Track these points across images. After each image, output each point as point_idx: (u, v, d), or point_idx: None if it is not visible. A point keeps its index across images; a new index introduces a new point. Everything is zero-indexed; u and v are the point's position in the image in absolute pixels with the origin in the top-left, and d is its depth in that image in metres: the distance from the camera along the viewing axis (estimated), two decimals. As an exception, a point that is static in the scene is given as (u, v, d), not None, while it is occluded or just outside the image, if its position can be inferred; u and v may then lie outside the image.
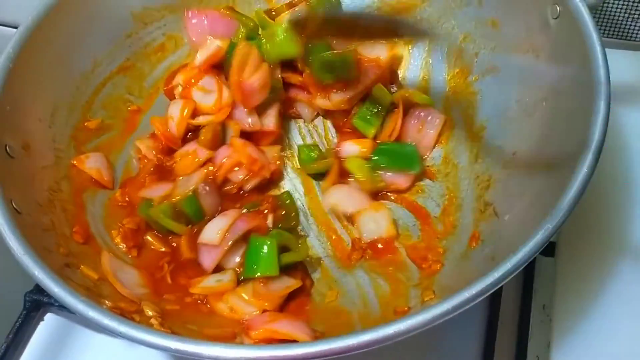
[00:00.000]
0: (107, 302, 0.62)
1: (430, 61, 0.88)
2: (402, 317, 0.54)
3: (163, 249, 0.76)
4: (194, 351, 0.54)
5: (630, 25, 0.94)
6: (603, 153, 0.61)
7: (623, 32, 0.94)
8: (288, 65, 0.85)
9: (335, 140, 0.87)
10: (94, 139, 0.82)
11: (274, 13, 0.87)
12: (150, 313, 0.65)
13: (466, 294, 0.54)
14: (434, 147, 0.84)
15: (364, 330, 0.54)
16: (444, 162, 0.83)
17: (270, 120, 0.83)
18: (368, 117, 0.84)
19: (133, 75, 0.87)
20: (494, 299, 0.79)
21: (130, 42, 0.86)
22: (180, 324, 0.67)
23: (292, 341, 0.63)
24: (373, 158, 0.82)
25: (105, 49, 0.84)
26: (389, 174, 0.81)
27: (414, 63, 0.90)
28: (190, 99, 0.82)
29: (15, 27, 0.76)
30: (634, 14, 0.92)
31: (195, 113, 0.82)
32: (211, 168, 0.79)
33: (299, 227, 0.80)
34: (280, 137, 0.86)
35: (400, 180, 0.81)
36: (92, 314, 0.56)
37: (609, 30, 0.95)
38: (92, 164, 0.79)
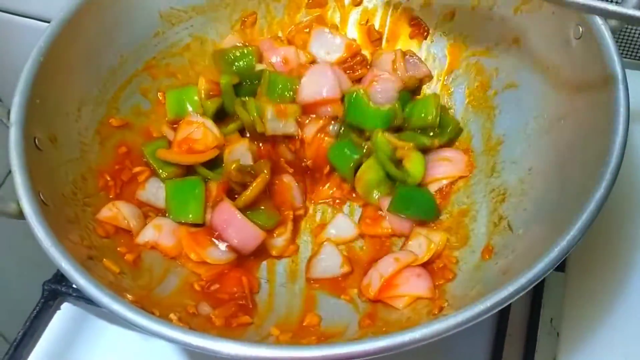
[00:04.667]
0: (128, 295, 0.64)
1: (450, 75, 0.89)
2: (417, 325, 0.55)
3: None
4: (213, 348, 0.55)
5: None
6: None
7: (643, 53, 0.96)
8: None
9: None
10: (117, 136, 0.83)
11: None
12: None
13: (481, 306, 0.55)
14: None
15: (379, 337, 0.55)
16: (460, 174, 0.84)
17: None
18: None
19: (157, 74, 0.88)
20: (503, 311, 0.80)
21: (157, 41, 0.87)
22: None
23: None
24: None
25: (132, 47, 0.85)
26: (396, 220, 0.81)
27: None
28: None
29: (46, 21, 0.78)
30: (654, 36, 0.93)
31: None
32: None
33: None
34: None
35: (405, 226, 0.81)
36: (116, 306, 0.58)
37: (629, 51, 0.96)
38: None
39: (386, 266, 0.75)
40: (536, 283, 0.57)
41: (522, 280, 0.57)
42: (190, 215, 0.79)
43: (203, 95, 0.85)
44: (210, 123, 0.82)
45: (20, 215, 0.64)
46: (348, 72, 0.89)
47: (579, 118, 0.72)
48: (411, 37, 0.91)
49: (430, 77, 0.90)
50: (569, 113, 0.73)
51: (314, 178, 0.85)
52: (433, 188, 0.84)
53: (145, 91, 0.86)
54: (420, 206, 0.81)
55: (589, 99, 0.71)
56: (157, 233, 0.77)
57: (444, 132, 0.84)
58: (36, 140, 0.70)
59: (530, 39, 0.80)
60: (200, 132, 0.82)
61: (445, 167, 0.84)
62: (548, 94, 0.77)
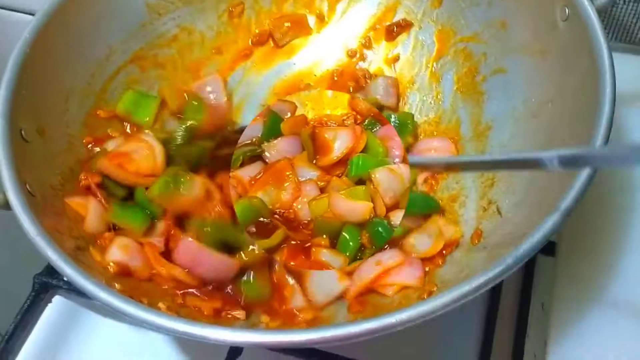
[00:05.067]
0: (116, 284, 0.64)
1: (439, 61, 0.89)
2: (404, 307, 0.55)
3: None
4: (200, 334, 0.55)
5: (638, 30, 0.95)
6: (605, 154, 0.62)
7: (630, 36, 0.95)
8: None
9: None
10: (105, 127, 0.83)
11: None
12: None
13: (467, 286, 0.55)
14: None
15: (366, 319, 0.55)
16: (449, 159, 0.84)
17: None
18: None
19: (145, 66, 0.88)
20: (494, 295, 0.80)
21: (144, 32, 0.87)
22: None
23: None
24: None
25: (120, 38, 0.84)
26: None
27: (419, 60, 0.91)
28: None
29: (31, 14, 0.77)
30: (642, 18, 0.93)
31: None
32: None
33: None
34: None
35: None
36: (104, 295, 0.58)
37: (617, 34, 0.96)
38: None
39: (367, 272, 0.75)
40: (522, 263, 0.57)
41: (508, 260, 0.57)
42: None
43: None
44: (159, 150, 0.79)
45: (7, 205, 0.64)
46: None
47: (566, 101, 0.72)
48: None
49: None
50: (556, 96, 0.73)
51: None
52: (421, 177, 0.84)
53: (133, 82, 0.86)
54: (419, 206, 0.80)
55: (576, 82, 0.70)
56: (125, 254, 0.72)
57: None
58: (22, 132, 0.69)
59: (517, 23, 0.80)
60: (143, 154, 0.78)
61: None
62: (536, 78, 0.77)
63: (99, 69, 0.82)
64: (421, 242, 0.76)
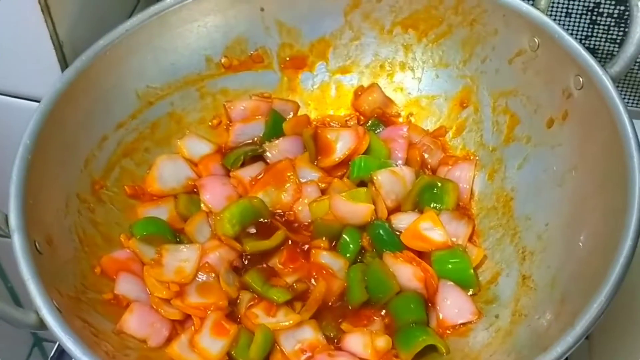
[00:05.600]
0: None
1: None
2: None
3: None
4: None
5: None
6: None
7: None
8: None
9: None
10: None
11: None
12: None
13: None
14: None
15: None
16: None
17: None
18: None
19: (138, 159, 0.84)
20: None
21: (135, 123, 0.84)
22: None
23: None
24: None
25: (111, 130, 0.81)
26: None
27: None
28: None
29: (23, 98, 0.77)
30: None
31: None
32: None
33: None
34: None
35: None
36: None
37: (634, 98, 0.96)
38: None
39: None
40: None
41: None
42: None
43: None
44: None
45: (41, 325, 0.61)
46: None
47: (590, 168, 0.71)
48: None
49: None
50: (579, 164, 0.73)
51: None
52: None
53: (131, 176, 0.83)
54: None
55: (598, 149, 0.70)
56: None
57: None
58: (37, 244, 0.67)
59: (530, 92, 0.80)
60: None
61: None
62: (555, 145, 0.77)
63: (94, 164, 0.79)
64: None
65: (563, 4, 0.92)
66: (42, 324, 0.61)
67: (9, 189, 0.67)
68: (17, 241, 0.64)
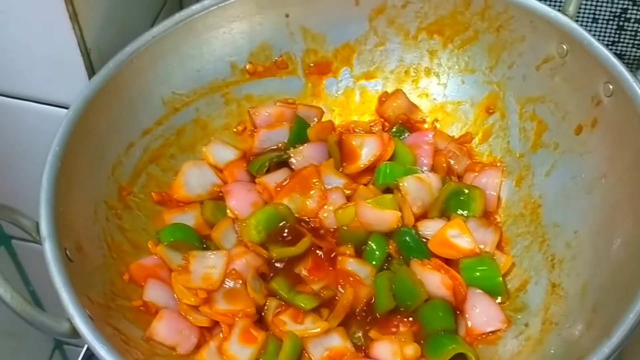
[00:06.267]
0: None
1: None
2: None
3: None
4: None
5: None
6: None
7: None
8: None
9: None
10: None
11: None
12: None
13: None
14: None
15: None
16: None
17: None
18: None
19: (164, 165, 0.84)
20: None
21: (161, 129, 0.84)
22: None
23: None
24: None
25: (138, 137, 0.82)
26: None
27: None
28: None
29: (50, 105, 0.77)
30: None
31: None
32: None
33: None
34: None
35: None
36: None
37: None
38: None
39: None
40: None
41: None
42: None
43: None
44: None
45: (74, 334, 0.61)
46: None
47: (620, 175, 0.71)
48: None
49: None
50: (609, 171, 0.72)
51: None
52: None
53: (157, 183, 0.83)
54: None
55: (629, 156, 0.70)
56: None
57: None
58: (67, 252, 0.66)
59: (558, 99, 0.79)
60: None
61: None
62: (584, 151, 0.76)
63: (121, 171, 0.80)
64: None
65: (590, 9, 0.92)
66: (74, 332, 0.61)
67: (39, 196, 0.67)
68: (48, 248, 0.64)
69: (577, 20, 0.79)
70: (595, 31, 0.93)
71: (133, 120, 0.81)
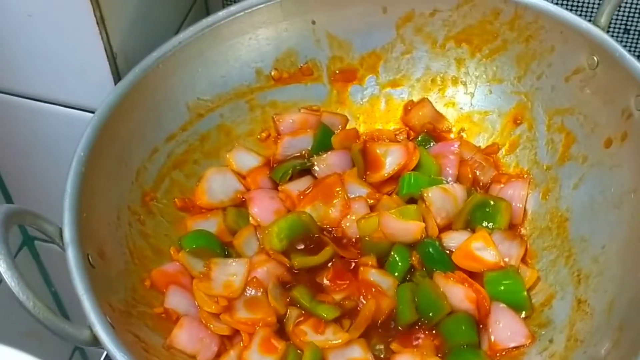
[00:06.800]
0: None
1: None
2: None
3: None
4: None
5: None
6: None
7: None
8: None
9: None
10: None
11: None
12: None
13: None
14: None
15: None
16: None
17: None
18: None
19: (188, 171, 0.84)
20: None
21: (185, 135, 0.84)
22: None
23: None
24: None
25: (162, 142, 0.82)
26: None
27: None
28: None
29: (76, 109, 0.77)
30: None
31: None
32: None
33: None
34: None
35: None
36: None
37: None
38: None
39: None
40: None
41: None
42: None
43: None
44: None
45: (95, 342, 0.61)
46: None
47: None
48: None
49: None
50: (639, 186, 0.71)
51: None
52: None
53: (181, 188, 0.83)
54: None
55: None
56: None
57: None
58: (90, 258, 0.66)
59: (588, 111, 0.78)
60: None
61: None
62: (613, 166, 0.75)
63: (145, 177, 0.80)
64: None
65: (622, 20, 0.90)
66: (95, 340, 0.60)
67: (62, 202, 0.67)
68: (71, 255, 0.64)
69: (608, 32, 0.77)
70: (627, 43, 0.92)
71: (157, 125, 0.81)
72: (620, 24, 0.91)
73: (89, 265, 0.65)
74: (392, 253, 0.77)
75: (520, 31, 0.82)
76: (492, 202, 0.79)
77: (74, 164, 0.69)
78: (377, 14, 0.86)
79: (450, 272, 0.74)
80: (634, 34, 0.91)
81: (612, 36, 0.78)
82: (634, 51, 0.92)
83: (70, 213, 0.66)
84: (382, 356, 0.72)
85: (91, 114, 0.74)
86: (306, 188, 0.82)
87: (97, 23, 0.75)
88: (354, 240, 0.80)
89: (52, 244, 0.66)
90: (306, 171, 0.85)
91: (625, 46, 0.77)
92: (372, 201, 0.81)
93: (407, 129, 0.89)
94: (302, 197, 0.82)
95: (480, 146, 0.87)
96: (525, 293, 0.74)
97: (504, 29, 0.83)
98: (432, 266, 0.76)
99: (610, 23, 0.88)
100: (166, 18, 0.89)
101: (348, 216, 0.80)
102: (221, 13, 0.82)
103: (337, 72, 0.89)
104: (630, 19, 0.90)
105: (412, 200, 0.80)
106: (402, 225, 0.77)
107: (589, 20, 0.76)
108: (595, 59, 0.76)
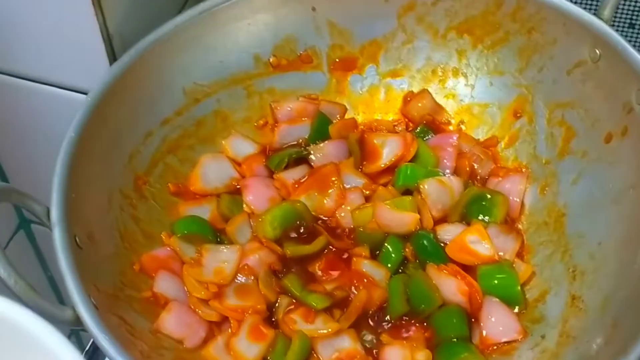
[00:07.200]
0: None
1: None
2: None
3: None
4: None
5: None
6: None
7: None
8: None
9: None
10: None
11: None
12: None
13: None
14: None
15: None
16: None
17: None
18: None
19: (182, 156, 0.84)
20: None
21: (180, 120, 0.83)
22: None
23: None
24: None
25: (157, 126, 0.81)
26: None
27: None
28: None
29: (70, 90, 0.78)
30: None
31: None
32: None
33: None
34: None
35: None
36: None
37: None
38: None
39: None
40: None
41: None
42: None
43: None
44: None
45: (77, 321, 0.60)
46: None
47: None
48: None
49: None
50: (638, 182, 0.70)
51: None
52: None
53: (174, 173, 0.82)
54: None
55: None
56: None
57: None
58: (77, 239, 0.66)
59: (589, 105, 0.77)
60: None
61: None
62: (613, 161, 0.74)
63: (138, 160, 0.79)
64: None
65: (627, 14, 0.89)
66: (77, 321, 0.60)
67: (51, 182, 0.66)
68: (57, 235, 0.64)
69: (612, 25, 0.76)
70: (631, 37, 0.91)
71: (152, 109, 0.80)
72: (626, 19, 0.90)
73: (75, 246, 0.65)
74: (386, 244, 0.76)
75: (522, 23, 0.80)
76: (488, 196, 0.78)
77: (65, 144, 0.68)
78: (379, 2, 0.85)
79: (444, 265, 0.74)
80: (639, 29, 0.90)
81: (617, 31, 0.77)
82: (639, 46, 0.91)
83: (59, 193, 0.66)
84: (371, 347, 0.72)
85: (85, 96, 0.73)
86: (302, 177, 0.82)
87: (93, 4, 0.74)
88: (347, 230, 0.79)
89: (48, 227, 0.66)
90: (302, 160, 0.84)
91: (630, 41, 0.76)
92: (367, 192, 0.80)
93: (406, 120, 0.89)
94: (297, 186, 0.81)
95: (479, 139, 0.86)
96: (519, 288, 0.73)
97: (506, 20, 0.81)
98: (426, 258, 0.75)
99: (615, 17, 0.88)
100: (165, 1, 0.88)
101: (343, 206, 0.79)
102: (220, -3, 0.81)
103: (337, 60, 0.88)
104: (635, 13, 0.89)
105: (407, 192, 0.79)
106: (397, 216, 0.76)
107: (593, 13, 0.75)
108: (597, 52, 0.75)
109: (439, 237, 0.76)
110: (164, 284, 0.74)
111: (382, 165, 0.81)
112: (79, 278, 0.62)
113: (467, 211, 0.78)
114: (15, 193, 0.63)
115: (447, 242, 0.76)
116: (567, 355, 0.66)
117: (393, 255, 0.76)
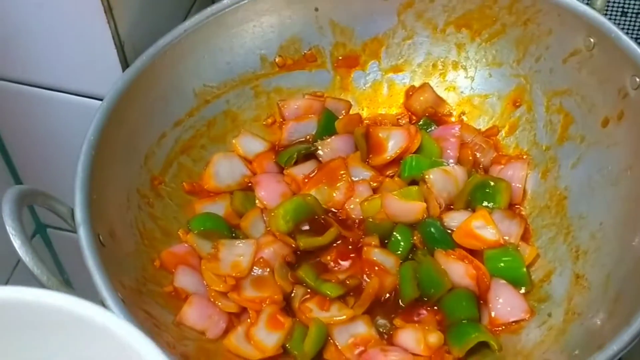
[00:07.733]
0: None
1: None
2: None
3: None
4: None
5: None
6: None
7: None
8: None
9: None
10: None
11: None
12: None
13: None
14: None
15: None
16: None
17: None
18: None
19: (195, 156, 0.86)
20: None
21: (192, 120, 0.85)
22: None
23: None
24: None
25: (170, 128, 0.83)
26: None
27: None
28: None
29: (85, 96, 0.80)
30: None
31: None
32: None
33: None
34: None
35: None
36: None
37: None
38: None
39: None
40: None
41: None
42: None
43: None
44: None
45: None
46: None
47: None
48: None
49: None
50: (634, 163, 0.73)
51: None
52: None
53: (188, 173, 0.85)
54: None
55: None
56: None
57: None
58: (100, 237, 0.68)
59: (585, 92, 0.80)
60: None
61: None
62: (610, 144, 0.76)
63: (153, 160, 0.81)
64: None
65: (619, 3, 0.92)
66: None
67: (74, 183, 0.69)
68: (82, 234, 0.66)
69: (605, 14, 0.79)
70: (624, 25, 0.93)
71: (165, 111, 0.83)
72: (618, 7, 0.92)
73: (100, 245, 0.67)
74: (395, 233, 0.79)
75: (518, 15, 0.83)
76: (492, 183, 0.81)
77: (85, 146, 0.71)
78: (379, 0, 0.88)
79: (451, 250, 0.76)
80: (630, 17, 0.93)
81: (610, 19, 0.80)
82: (631, 34, 0.94)
83: (82, 194, 0.68)
84: (385, 331, 0.74)
85: (100, 102, 0.76)
86: (311, 172, 0.84)
87: (105, 12, 0.77)
88: (357, 221, 0.81)
89: (64, 231, 0.68)
90: (311, 155, 0.86)
91: (622, 29, 0.79)
92: (375, 184, 0.83)
93: (409, 113, 0.91)
94: (307, 181, 0.83)
95: (480, 129, 0.89)
96: (525, 269, 0.76)
97: (502, 13, 0.84)
98: (434, 245, 0.78)
99: (608, 6, 0.90)
100: (173, 7, 0.91)
101: (352, 198, 0.82)
102: (226, 1, 0.83)
103: (340, 58, 0.91)
104: (627, 1, 0.91)
105: (413, 183, 0.82)
106: (404, 206, 0.79)
107: (586, 3, 0.78)
108: (591, 40, 0.77)
109: (445, 224, 0.79)
110: (183, 279, 0.76)
111: (388, 158, 0.84)
112: (106, 274, 0.64)
113: (472, 198, 0.81)
114: (42, 195, 0.66)
115: (454, 229, 0.78)
116: (573, 331, 0.69)
117: (402, 243, 0.78)
